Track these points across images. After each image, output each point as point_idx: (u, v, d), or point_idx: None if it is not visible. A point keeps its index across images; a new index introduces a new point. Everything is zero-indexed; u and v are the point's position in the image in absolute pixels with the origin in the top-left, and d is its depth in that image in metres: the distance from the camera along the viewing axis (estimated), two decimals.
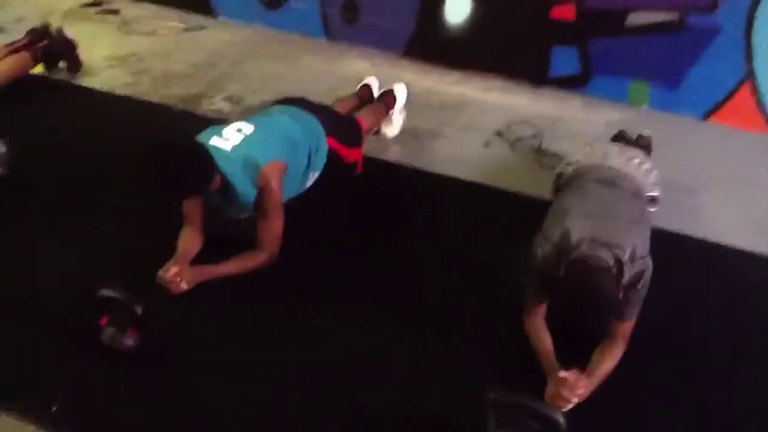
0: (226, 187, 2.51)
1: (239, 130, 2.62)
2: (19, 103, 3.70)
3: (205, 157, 2.44)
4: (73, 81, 4.09)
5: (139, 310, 2.18)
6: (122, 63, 4.28)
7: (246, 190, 2.53)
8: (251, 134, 2.61)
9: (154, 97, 3.94)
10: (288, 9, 4.78)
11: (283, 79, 4.16)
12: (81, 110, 3.78)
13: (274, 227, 2.59)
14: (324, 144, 2.87)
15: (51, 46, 3.99)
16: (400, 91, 3.49)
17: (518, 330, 2.38)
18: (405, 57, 4.47)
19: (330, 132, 2.90)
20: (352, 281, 2.68)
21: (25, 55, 3.86)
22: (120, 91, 4.01)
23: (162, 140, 2.51)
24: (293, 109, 2.90)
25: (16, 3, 4.93)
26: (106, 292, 2.20)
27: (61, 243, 2.84)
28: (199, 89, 4.05)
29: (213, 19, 4.95)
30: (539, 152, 3.50)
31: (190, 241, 2.63)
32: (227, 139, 2.58)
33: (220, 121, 3.61)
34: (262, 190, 2.53)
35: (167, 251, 2.64)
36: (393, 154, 3.47)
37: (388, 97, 3.46)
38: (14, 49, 4.02)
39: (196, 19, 4.93)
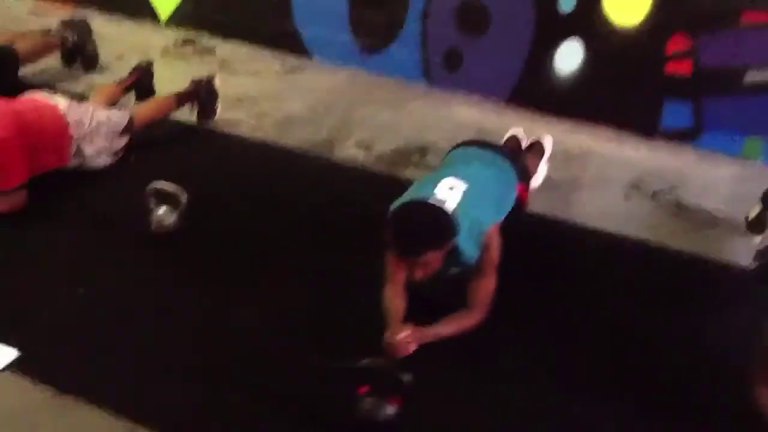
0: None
1: (452, 188, 2.54)
2: (165, 148, 3.56)
3: (449, 214, 2.35)
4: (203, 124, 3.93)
5: (405, 378, 2.07)
6: (239, 105, 4.18)
7: (471, 251, 2.45)
8: (467, 193, 2.53)
9: (283, 143, 3.82)
10: (387, 54, 4.70)
11: (401, 126, 4.10)
12: (223, 156, 3.66)
13: (490, 287, 2.52)
14: (515, 191, 2.81)
15: (195, 92, 3.84)
16: (548, 143, 3.44)
17: None
18: (509, 104, 4.42)
19: (520, 179, 2.85)
20: (508, 334, 2.64)
21: (169, 99, 3.72)
22: (248, 134, 3.88)
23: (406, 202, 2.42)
24: (489, 155, 2.86)
25: (113, 40, 4.80)
26: (368, 362, 2.09)
27: (251, 305, 2.70)
28: (325, 135, 3.95)
29: (307, 60, 4.84)
30: (680, 207, 3.46)
31: (398, 300, 2.54)
32: (444, 199, 2.50)
33: (357, 168, 3.58)
34: (485, 251, 2.45)
35: (362, 312, 2.56)
36: (539, 206, 3.39)
37: (537, 148, 3.40)
38: (125, 86, 3.88)
39: (292, 60, 4.82)
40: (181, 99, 3.74)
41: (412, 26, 4.58)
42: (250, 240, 3.06)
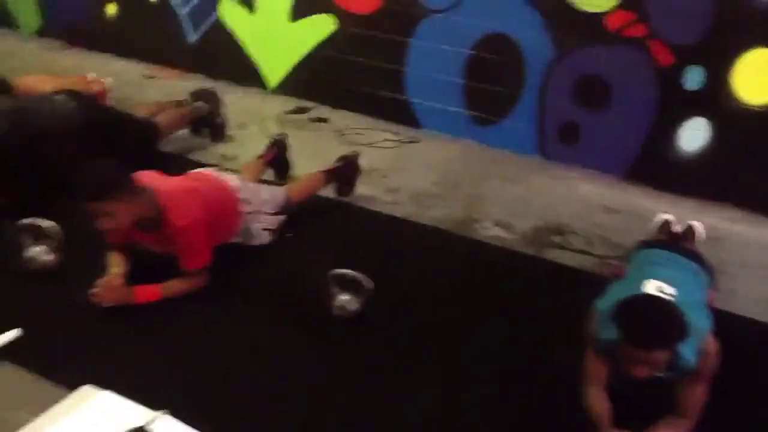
0: None
1: (661, 291, 2.43)
2: (315, 225, 3.49)
3: (683, 314, 2.26)
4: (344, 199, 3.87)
5: None
6: (367, 178, 4.10)
7: (690, 356, 2.33)
8: (677, 297, 2.42)
9: (424, 220, 3.75)
10: (501, 126, 4.66)
11: (530, 203, 4.04)
12: (373, 234, 3.59)
13: (703, 395, 2.39)
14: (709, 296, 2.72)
15: (342, 168, 3.78)
16: (700, 229, 3.34)
17: None
18: (628, 180, 4.34)
19: (711, 283, 2.74)
20: None
21: (319, 176, 3.66)
22: (387, 210, 3.81)
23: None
24: (680, 259, 2.74)
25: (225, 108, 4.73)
26: None
27: (439, 388, 2.63)
28: (461, 212, 3.88)
29: (416, 131, 4.80)
30: None
31: (604, 402, 2.44)
32: None
33: (504, 248, 3.49)
34: (704, 358, 2.34)
35: (552, 405, 2.52)
36: None
37: (690, 234, 3.30)
38: (266, 161, 3.83)
39: (403, 130, 4.78)
40: (330, 176, 3.68)
41: (528, 99, 4.55)
42: (430, 324, 3.00)
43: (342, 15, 4.93)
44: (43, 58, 5.72)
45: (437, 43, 4.70)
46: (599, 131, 4.43)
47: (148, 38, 5.75)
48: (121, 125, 3.76)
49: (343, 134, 4.73)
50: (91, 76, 4.61)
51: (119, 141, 3.66)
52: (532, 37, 4.40)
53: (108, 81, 4.60)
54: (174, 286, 2.89)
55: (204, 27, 5.51)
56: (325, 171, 3.71)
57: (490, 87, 4.65)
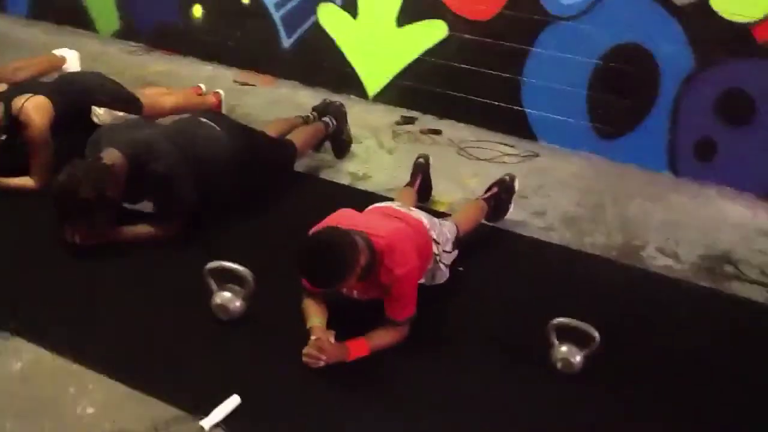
0: None
1: None
2: (482, 254, 3.13)
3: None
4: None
5: None
6: None
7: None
8: None
9: (585, 247, 3.39)
10: (627, 141, 4.30)
11: (686, 226, 3.71)
12: (543, 264, 3.24)
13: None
14: None
15: (499, 193, 3.42)
16: None
17: None
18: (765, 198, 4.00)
19: None
20: None
21: (481, 205, 3.29)
22: (543, 237, 3.45)
23: None
24: None
25: None
26: None
27: None
28: (619, 239, 3.52)
29: (532, 143, 4.43)
30: None
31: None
32: None
33: (681, 281, 3.15)
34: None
35: None
36: None
37: None
38: (417, 189, 3.46)
39: (517, 142, 4.43)
40: (489, 202, 3.31)
41: (660, 113, 4.20)
42: (653, 375, 2.65)
43: (455, 21, 4.56)
44: (128, 62, 5.33)
45: (561, 52, 4.33)
46: (740, 147, 4.09)
47: (238, 42, 5.35)
48: (265, 149, 3.37)
49: (461, 148, 4.35)
50: (202, 87, 4.22)
51: (264, 165, 3.29)
52: (669, 48, 4.05)
53: (222, 93, 4.21)
54: (381, 339, 2.52)
55: (300, 31, 5.11)
56: (485, 198, 3.34)
57: (618, 99, 4.30)
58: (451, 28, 4.59)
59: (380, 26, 4.80)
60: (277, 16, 5.16)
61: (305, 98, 4.94)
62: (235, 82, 5.13)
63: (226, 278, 2.62)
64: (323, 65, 5.10)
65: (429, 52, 4.71)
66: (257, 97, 4.82)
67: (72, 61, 4.51)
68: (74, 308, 2.72)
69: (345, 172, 3.92)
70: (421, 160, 3.53)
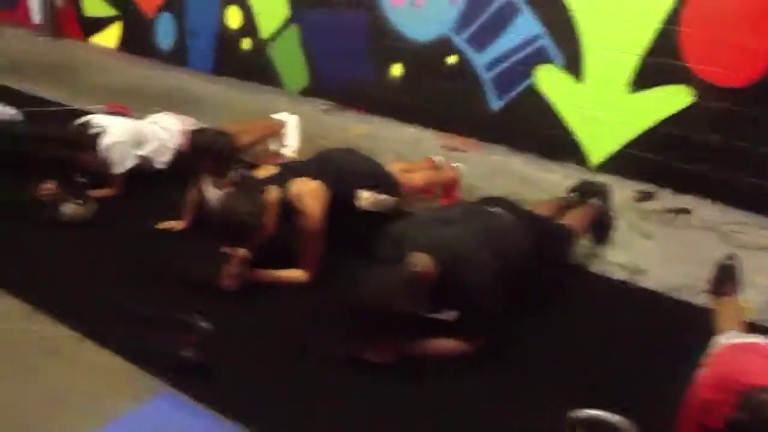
0: None
1: None
2: None
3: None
4: None
5: None
6: None
7: None
8: None
9: None
10: None
11: None
12: None
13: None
14: None
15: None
16: None
17: None
18: None
19: None
20: None
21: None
22: None
23: None
24: None
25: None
26: None
27: None
28: None
29: None
30: None
31: None
32: None
33: None
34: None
35: None
36: None
37: None
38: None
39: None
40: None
41: None
42: None
43: (702, 87, 3.96)
44: (326, 123, 4.93)
45: None
46: None
47: (440, 103, 4.88)
48: (554, 239, 2.83)
49: (722, 233, 3.69)
50: (439, 159, 3.73)
51: (553, 258, 2.75)
52: None
53: (462, 167, 3.72)
54: None
55: (512, 94, 4.59)
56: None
57: None
58: (696, 95, 3.98)
59: (609, 90, 4.25)
60: (486, 77, 4.68)
61: (520, 166, 4.46)
62: (444, 147, 4.64)
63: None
64: (536, 130, 4.57)
65: (668, 121, 4.12)
66: (471, 164, 4.31)
67: (292, 126, 4.12)
68: None
69: (612, 263, 3.33)
70: (730, 262, 2.89)
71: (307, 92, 5.51)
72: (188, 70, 6.08)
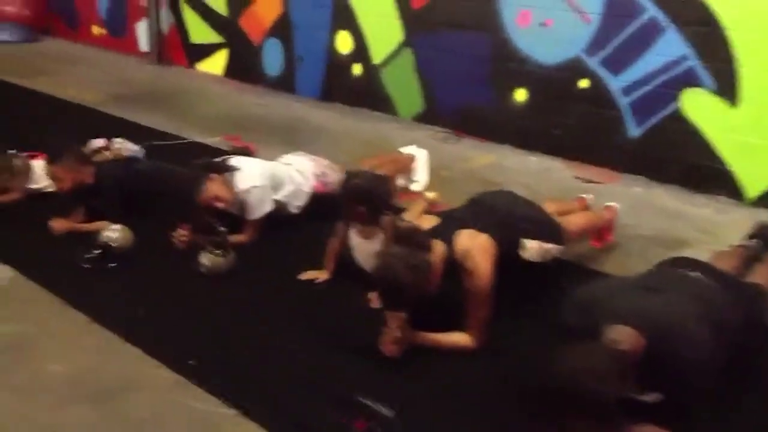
0: None
1: None
2: None
3: None
4: None
5: None
6: None
7: None
8: None
9: None
10: None
11: None
12: None
13: None
14: None
15: None
16: None
17: None
18: None
19: None
20: None
21: None
22: None
23: None
24: None
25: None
26: None
27: None
28: None
29: None
30: None
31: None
32: None
33: None
34: None
35: None
36: None
37: None
38: None
39: None
40: None
41: None
42: None
43: None
44: (446, 152, 4.62)
45: None
46: None
47: (569, 130, 4.50)
48: (758, 305, 2.41)
49: None
50: (590, 197, 3.35)
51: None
52: None
53: (617, 206, 3.32)
54: None
55: (653, 120, 4.16)
56: None
57: None
58: None
59: None
60: (624, 101, 4.27)
61: (664, 199, 4.06)
62: (577, 178, 4.25)
63: None
64: (681, 159, 4.13)
65: None
66: (609, 198, 3.89)
67: (421, 160, 3.82)
68: None
69: None
70: None
71: (421, 118, 5.21)
72: (295, 96, 5.88)
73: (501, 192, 2.94)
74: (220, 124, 5.16)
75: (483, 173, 4.32)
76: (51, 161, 3.22)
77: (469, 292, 2.40)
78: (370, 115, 5.41)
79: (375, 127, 5.14)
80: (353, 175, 2.76)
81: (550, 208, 3.02)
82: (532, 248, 2.61)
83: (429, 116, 5.17)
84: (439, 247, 2.39)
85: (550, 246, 2.68)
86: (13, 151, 3.62)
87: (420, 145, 4.40)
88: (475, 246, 2.39)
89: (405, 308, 2.33)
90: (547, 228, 2.74)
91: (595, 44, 4.28)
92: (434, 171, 4.04)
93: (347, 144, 4.79)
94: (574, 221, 2.97)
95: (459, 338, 2.43)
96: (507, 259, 2.54)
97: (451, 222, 2.51)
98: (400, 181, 3.87)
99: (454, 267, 2.41)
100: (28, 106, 5.52)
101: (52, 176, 3.16)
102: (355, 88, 5.52)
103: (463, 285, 2.40)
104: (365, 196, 2.68)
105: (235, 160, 3.15)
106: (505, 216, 2.64)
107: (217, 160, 3.19)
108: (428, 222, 2.53)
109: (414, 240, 2.33)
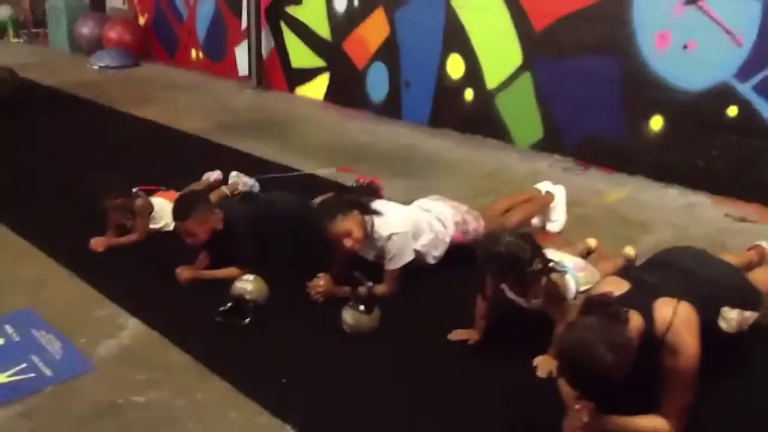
0: None
1: None
2: None
3: None
4: None
5: None
6: None
7: None
8: None
9: None
10: None
11: None
12: None
13: None
14: None
15: None
16: None
17: None
18: None
19: None
20: None
21: None
22: None
23: None
24: None
25: None
26: None
27: None
28: None
29: None
30: None
31: None
32: None
33: None
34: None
35: None
36: None
37: None
38: None
39: None
40: None
41: None
42: None
43: None
44: (571, 183, 4.17)
45: None
46: None
47: (718, 163, 4.05)
48: None
49: None
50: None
51: None
52: None
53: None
54: None
55: None
56: None
57: None
58: None
59: None
60: None
61: None
62: (728, 216, 3.78)
63: None
64: None
65: None
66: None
67: (560, 198, 3.45)
68: None
69: None
70: None
71: (540, 147, 4.83)
72: (401, 122, 5.59)
73: (692, 250, 2.52)
74: (328, 153, 4.91)
75: (620, 210, 3.90)
76: (179, 217, 2.94)
77: (671, 372, 2.01)
78: (483, 143, 5.06)
79: (492, 156, 4.78)
80: (494, 240, 2.36)
81: (732, 261, 2.61)
82: (732, 318, 2.21)
83: (549, 144, 4.79)
84: (635, 318, 2.02)
85: (749, 314, 2.27)
86: (136, 189, 3.44)
87: (543, 176, 4.03)
88: (680, 318, 2.00)
89: (598, 392, 1.97)
90: (746, 293, 2.33)
91: (748, 68, 3.82)
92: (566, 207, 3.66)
93: (465, 175, 4.45)
94: (762, 279, 2.53)
95: (657, 424, 2.04)
96: (702, 330, 2.14)
97: (644, 287, 2.13)
98: (535, 221, 3.51)
99: (652, 342, 2.02)
100: (141, 135, 5.41)
101: (185, 233, 2.90)
102: (467, 114, 5.19)
103: (663, 363, 2.01)
104: (510, 267, 2.32)
105: (379, 204, 2.86)
106: (704, 281, 2.24)
107: (364, 200, 2.90)
108: (617, 286, 2.15)
109: (609, 310, 1.97)
